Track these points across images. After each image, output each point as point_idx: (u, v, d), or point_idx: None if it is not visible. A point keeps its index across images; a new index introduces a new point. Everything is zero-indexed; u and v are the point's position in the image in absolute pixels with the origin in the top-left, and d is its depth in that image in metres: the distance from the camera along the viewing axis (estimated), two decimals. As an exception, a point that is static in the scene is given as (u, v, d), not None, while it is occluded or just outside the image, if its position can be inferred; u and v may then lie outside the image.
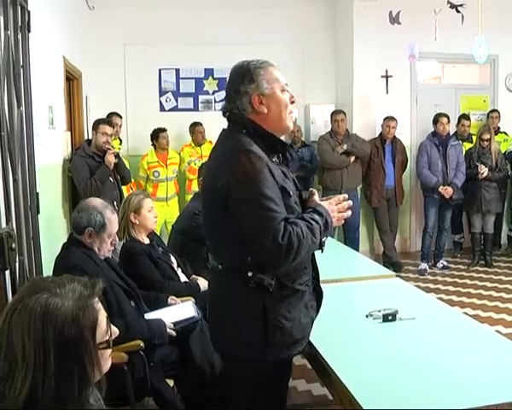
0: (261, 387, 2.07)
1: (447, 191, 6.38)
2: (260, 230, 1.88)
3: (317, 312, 2.22)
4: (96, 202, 2.93)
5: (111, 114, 5.93)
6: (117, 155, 4.97)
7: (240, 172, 1.91)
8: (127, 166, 5.73)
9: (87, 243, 2.81)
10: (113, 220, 2.89)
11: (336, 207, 2.10)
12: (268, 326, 2.01)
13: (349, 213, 2.13)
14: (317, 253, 2.13)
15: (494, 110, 7.34)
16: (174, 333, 2.91)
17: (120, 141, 6.27)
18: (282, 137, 2.18)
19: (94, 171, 4.75)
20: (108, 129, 4.87)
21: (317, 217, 1.99)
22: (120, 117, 6.12)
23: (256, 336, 2.01)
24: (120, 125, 6.09)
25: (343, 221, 2.14)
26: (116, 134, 5.60)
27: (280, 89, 2.07)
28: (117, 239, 3.00)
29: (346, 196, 2.16)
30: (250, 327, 2.02)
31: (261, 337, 2.01)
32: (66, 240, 3.02)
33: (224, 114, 2.13)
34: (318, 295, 2.21)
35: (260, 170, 1.92)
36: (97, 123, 4.94)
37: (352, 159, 6.40)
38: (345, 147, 6.36)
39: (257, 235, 1.90)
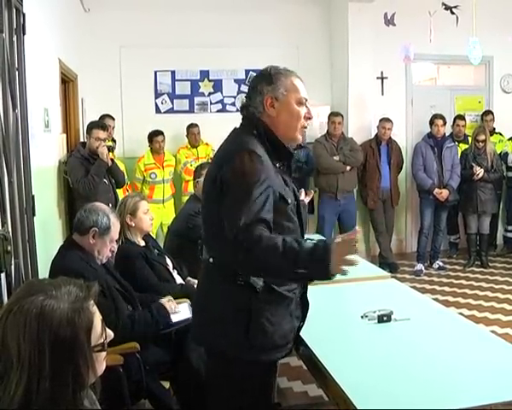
0: (243, 386, 2.06)
1: (442, 195, 6.40)
2: (230, 224, 1.86)
3: (303, 322, 2.22)
4: (103, 205, 2.98)
5: (103, 117, 5.93)
6: (110, 149, 4.98)
7: (238, 169, 1.94)
8: (123, 168, 5.74)
9: (87, 246, 2.81)
10: (116, 226, 2.92)
11: (339, 253, 1.77)
12: (251, 327, 2.01)
13: (352, 263, 1.77)
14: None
15: (488, 112, 7.35)
16: (176, 310, 3.00)
17: (114, 141, 6.25)
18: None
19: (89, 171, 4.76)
20: (102, 134, 4.87)
21: (305, 244, 1.83)
22: (113, 119, 6.12)
23: (239, 334, 2.01)
24: (113, 127, 6.08)
25: (346, 269, 1.78)
26: (109, 136, 5.60)
27: (296, 100, 2.12)
28: (115, 246, 3.00)
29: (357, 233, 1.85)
30: (234, 325, 2.02)
31: (244, 337, 2.01)
32: (62, 242, 3.02)
33: (241, 111, 2.19)
34: (305, 305, 2.22)
35: (257, 171, 1.93)
36: (90, 127, 4.94)
37: (348, 168, 6.42)
38: (336, 158, 6.38)
39: (227, 228, 1.88)
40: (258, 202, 1.89)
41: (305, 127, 2.20)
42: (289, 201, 2.07)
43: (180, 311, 3.05)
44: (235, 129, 2.20)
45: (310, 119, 2.20)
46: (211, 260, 2.08)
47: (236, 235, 1.83)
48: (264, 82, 2.10)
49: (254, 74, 2.24)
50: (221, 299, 2.05)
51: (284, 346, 2.12)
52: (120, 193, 5.38)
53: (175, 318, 3.04)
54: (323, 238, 2.00)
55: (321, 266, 1.77)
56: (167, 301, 3.02)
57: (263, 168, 1.96)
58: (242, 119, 2.20)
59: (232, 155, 2.00)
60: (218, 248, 2.06)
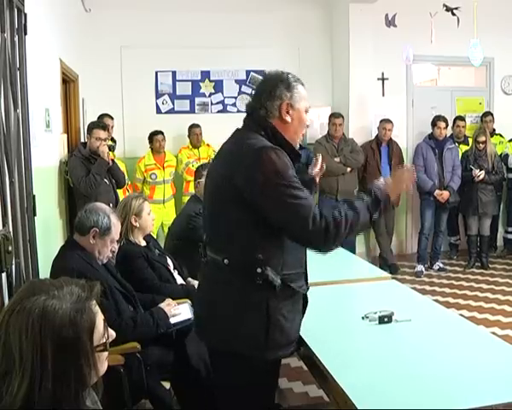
0: (250, 384, 2.08)
1: (442, 196, 6.40)
2: (299, 218, 1.96)
3: (302, 316, 2.28)
4: (103, 205, 2.99)
5: (102, 116, 5.93)
6: (110, 148, 4.99)
7: (269, 167, 1.97)
8: (123, 168, 5.74)
9: (87, 247, 2.81)
10: (117, 226, 2.92)
11: (395, 183, 2.19)
12: (270, 325, 2.05)
13: (408, 184, 2.22)
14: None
15: (488, 113, 7.35)
16: (174, 312, 3.02)
17: (114, 141, 6.24)
18: None
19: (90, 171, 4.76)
20: (102, 134, 4.88)
21: (363, 195, 2.11)
22: (112, 118, 6.12)
23: (257, 333, 2.05)
24: (112, 127, 6.06)
25: (410, 187, 2.25)
26: (109, 135, 5.61)
27: (304, 109, 2.19)
28: (116, 246, 3.01)
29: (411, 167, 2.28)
30: (252, 323, 2.05)
31: (262, 335, 2.05)
32: (63, 242, 3.02)
33: (247, 111, 2.21)
34: (305, 300, 2.26)
35: (289, 166, 2.01)
36: (91, 127, 4.95)
37: (349, 169, 6.42)
38: (337, 160, 6.37)
39: (296, 224, 1.98)
40: (303, 192, 2.01)
41: (303, 134, 2.29)
42: None
43: (180, 313, 3.05)
44: (238, 129, 2.21)
45: (308, 126, 2.32)
46: (225, 261, 2.07)
47: (316, 226, 1.95)
48: (282, 87, 2.13)
49: (256, 75, 2.28)
50: (237, 299, 2.06)
51: (295, 342, 2.18)
52: (121, 193, 5.39)
53: (175, 319, 3.05)
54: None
55: (381, 202, 2.10)
56: (166, 305, 3.03)
57: (290, 163, 2.04)
58: (246, 119, 2.20)
59: (253, 154, 2.00)
60: (234, 251, 2.06)
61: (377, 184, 2.14)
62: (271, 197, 1.98)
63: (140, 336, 2.74)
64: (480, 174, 6.46)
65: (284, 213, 1.98)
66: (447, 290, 6.00)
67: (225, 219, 2.08)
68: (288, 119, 2.14)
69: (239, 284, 2.06)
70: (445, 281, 6.35)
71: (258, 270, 2.01)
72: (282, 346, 2.11)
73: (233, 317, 2.06)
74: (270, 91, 2.13)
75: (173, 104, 7.17)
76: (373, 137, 6.89)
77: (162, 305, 3.03)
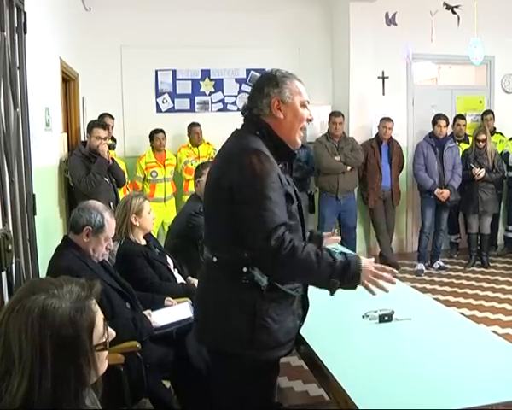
0: (245, 384, 2.08)
1: (443, 195, 6.40)
2: (257, 229, 1.94)
3: (303, 321, 2.26)
4: (97, 203, 2.96)
5: (103, 115, 5.93)
6: (110, 147, 4.99)
7: (248, 171, 1.96)
8: (123, 167, 5.73)
9: (82, 245, 2.80)
10: (111, 224, 2.90)
11: (375, 269, 2.05)
12: (255, 325, 2.03)
13: (388, 286, 2.05)
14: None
15: (488, 112, 7.35)
16: (157, 323, 2.96)
17: (115, 140, 6.23)
18: None
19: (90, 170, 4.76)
20: (102, 132, 4.88)
21: (338, 256, 2.00)
22: (113, 118, 6.11)
23: (243, 332, 2.04)
24: (112, 126, 6.04)
25: (375, 287, 2.05)
26: (109, 135, 5.60)
27: (300, 102, 2.17)
28: (112, 244, 2.99)
29: (396, 271, 2.12)
30: (238, 322, 2.05)
31: (247, 334, 2.04)
32: (61, 242, 3.01)
33: (242, 113, 2.21)
34: (305, 305, 2.26)
35: (268, 172, 1.98)
36: (91, 126, 4.94)
37: (349, 168, 6.42)
38: (337, 159, 6.37)
39: (254, 234, 1.95)
40: (280, 204, 1.98)
41: (305, 128, 2.25)
42: (294, 199, 2.10)
43: (159, 324, 3.01)
44: (236, 130, 2.22)
45: (310, 120, 2.25)
46: (214, 259, 2.09)
47: (268, 243, 1.91)
48: (270, 85, 2.13)
49: (256, 74, 2.28)
50: (225, 298, 2.06)
51: (287, 343, 2.15)
52: (121, 192, 5.38)
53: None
54: (351, 252, 2.05)
55: (348, 276, 1.99)
56: (148, 314, 3.01)
57: (272, 167, 2.00)
58: (244, 120, 2.22)
59: (239, 156, 2.02)
60: (222, 249, 2.08)
61: (360, 258, 2.04)
62: (243, 200, 1.97)
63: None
64: (480, 172, 6.45)
65: (249, 219, 1.96)
66: (447, 289, 5.99)
67: (216, 219, 2.10)
68: (280, 115, 2.13)
69: (227, 283, 2.07)
70: (445, 280, 6.35)
71: (244, 269, 2.01)
72: (270, 347, 2.08)
73: (222, 315, 2.07)
74: (259, 90, 2.15)
75: (173, 103, 7.16)
76: (373, 136, 6.89)
77: (145, 312, 3.00)
